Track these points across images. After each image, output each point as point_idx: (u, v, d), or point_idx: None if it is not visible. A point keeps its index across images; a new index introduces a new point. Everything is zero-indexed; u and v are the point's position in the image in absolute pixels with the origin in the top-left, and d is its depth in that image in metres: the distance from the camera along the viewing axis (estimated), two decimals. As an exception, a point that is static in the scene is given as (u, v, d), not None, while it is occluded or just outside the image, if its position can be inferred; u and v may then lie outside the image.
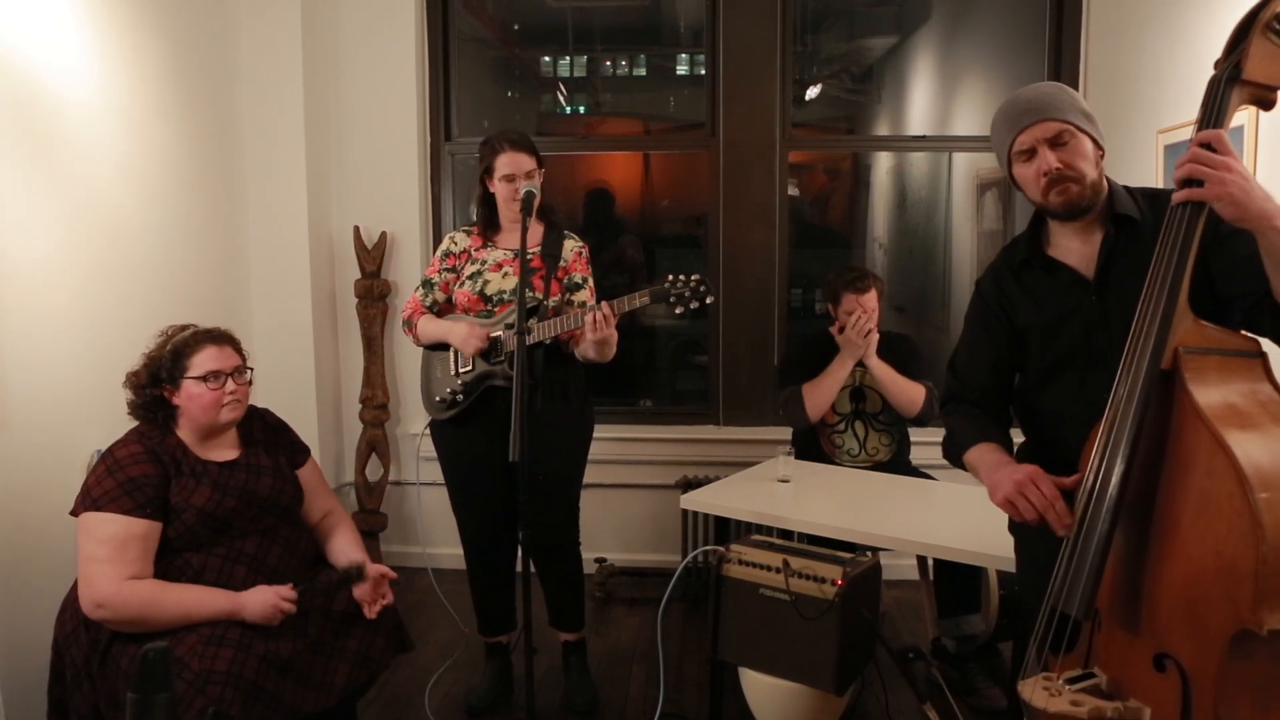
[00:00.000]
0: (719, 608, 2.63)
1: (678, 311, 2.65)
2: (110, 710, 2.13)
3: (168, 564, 2.22)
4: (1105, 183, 1.87)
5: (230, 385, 2.32)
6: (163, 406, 2.32)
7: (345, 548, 2.52)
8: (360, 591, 2.38)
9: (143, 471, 2.21)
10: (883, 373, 3.36)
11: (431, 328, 2.94)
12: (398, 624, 2.48)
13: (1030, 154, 1.84)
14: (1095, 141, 1.85)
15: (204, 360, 2.30)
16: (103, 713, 2.15)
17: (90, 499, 2.18)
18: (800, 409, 3.40)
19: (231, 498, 2.29)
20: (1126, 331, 1.64)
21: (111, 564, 2.13)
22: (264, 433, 2.51)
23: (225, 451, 2.38)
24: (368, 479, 4.20)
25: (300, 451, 2.59)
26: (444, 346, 2.95)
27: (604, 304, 2.65)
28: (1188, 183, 1.55)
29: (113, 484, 2.18)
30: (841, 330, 3.38)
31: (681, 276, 2.65)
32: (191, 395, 2.29)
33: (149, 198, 3.23)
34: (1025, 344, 2.00)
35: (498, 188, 2.88)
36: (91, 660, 2.15)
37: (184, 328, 2.40)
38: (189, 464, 2.29)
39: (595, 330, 2.64)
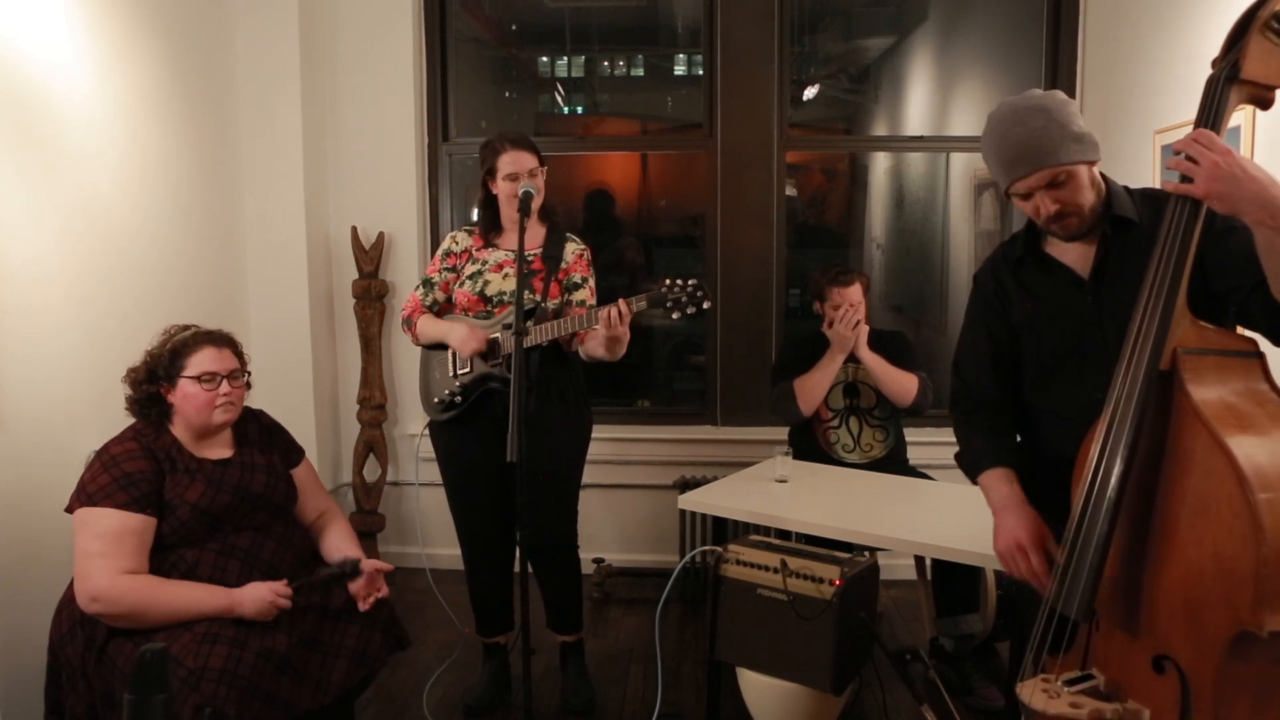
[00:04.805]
0: (716, 608, 2.63)
1: (675, 317, 2.63)
2: (106, 710, 2.13)
3: (162, 559, 2.23)
4: (1104, 185, 1.86)
5: (225, 387, 2.34)
6: (158, 403, 2.35)
7: (340, 544, 2.53)
8: (355, 586, 2.39)
9: (137, 467, 2.23)
10: (874, 363, 3.38)
11: (431, 328, 2.93)
12: (395, 621, 2.48)
13: (1028, 195, 1.82)
14: (1090, 161, 1.81)
15: (201, 361, 2.33)
16: (98, 712, 2.15)
17: (86, 494, 2.20)
18: (793, 404, 3.41)
19: (226, 494, 2.31)
20: (1120, 332, 1.65)
21: (107, 558, 2.14)
22: (259, 433, 2.53)
23: (220, 450, 2.40)
24: (365, 479, 4.19)
25: (294, 451, 2.60)
26: (443, 347, 2.94)
27: (621, 301, 2.62)
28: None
29: (108, 479, 2.20)
30: (831, 326, 3.40)
31: (679, 281, 2.62)
32: (186, 395, 2.31)
33: (146, 197, 3.22)
34: (1020, 340, 2.00)
35: (500, 188, 2.86)
36: (87, 659, 2.15)
37: (186, 328, 2.43)
38: (183, 461, 2.31)
39: (609, 326, 2.61)
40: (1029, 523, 1.85)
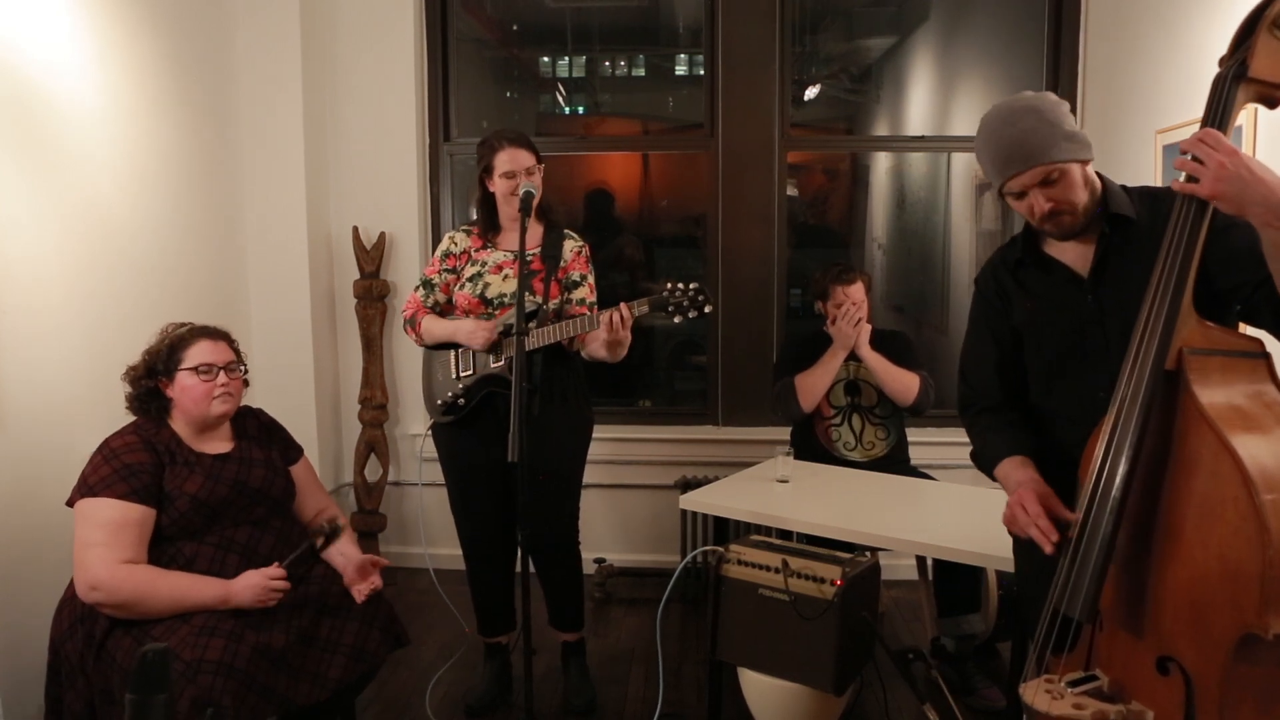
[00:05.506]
0: (718, 608, 2.62)
1: (676, 320, 2.64)
2: (104, 706, 2.14)
3: (160, 552, 2.26)
4: (1099, 185, 1.86)
5: (222, 378, 2.39)
6: (157, 398, 2.39)
7: (338, 542, 2.53)
8: (348, 577, 2.41)
9: (137, 459, 2.26)
10: (876, 362, 3.39)
11: (436, 328, 2.92)
12: (393, 619, 2.49)
13: (1022, 194, 1.82)
14: (1083, 160, 1.81)
15: (197, 353, 2.38)
16: (97, 709, 2.16)
17: (86, 486, 2.23)
18: (793, 400, 3.42)
19: (224, 486, 2.33)
20: (1121, 330, 1.64)
21: (107, 547, 2.16)
22: (258, 429, 2.57)
23: (219, 444, 2.44)
24: (366, 479, 4.19)
25: (293, 449, 2.63)
26: (446, 348, 2.94)
27: (622, 305, 2.63)
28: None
29: (108, 470, 2.23)
30: (834, 323, 3.40)
31: (680, 285, 2.63)
32: (184, 387, 2.35)
33: (147, 197, 3.22)
34: (1023, 341, 2.00)
35: (498, 185, 2.86)
36: (86, 655, 2.16)
37: (182, 325, 2.47)
38: (183, 454, 2.35)
39: (611, 330, 2.62)
40: (1026, 485, 1.82)
